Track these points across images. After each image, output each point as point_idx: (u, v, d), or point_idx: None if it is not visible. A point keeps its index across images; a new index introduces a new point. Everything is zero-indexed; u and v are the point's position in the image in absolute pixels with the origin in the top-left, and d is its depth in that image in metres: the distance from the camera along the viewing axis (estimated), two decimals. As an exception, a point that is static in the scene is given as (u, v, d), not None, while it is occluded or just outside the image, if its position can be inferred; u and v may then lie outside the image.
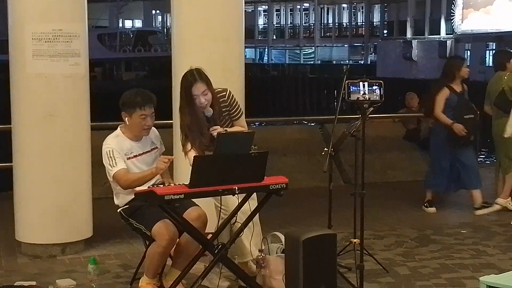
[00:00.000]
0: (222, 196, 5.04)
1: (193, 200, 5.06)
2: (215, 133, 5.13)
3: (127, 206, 5.18)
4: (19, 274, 5.84)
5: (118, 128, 5.27)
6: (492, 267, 5.96)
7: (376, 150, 10.12)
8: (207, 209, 5.23)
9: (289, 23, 61.09)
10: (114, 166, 5.05)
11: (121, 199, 5.22)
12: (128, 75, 47.66)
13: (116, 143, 5.14)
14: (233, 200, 5.14)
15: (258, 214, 5.27)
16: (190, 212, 5.05)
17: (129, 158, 5.16)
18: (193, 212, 5.07)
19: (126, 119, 5.18)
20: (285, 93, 46.32)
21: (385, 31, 52.18)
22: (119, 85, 36.32)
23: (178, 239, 5.08)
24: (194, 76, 5.25)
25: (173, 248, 5.14)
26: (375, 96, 5.47)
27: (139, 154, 5.22)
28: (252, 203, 5.20)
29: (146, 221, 5.03)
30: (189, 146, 5.30)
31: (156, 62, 46.11)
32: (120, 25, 57.84)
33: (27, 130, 6.29)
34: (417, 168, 10.51)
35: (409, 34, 47.49)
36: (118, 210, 5.25)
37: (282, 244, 5.57)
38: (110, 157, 5.08)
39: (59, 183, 6.26)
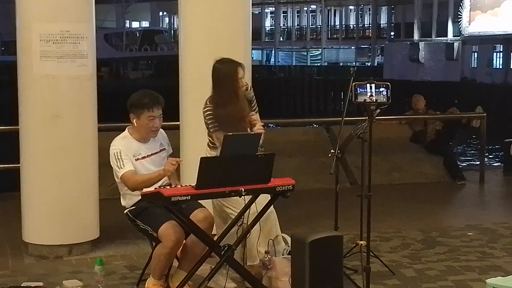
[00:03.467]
0: (228, 198, 5.05)
1: (199, 201, 5.07)
2: (254, 120, 5.20)
3: (134, 207, 5.19)
4: (25, 275, 5.85)
5: (126, 130, 5.27)
6: (499, 270, 5.95)
7: (382, 152, 10.10)
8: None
9: (296, 25, 61.05)
10: (121, 168, 5.06)
11: (128, 200, 5.23)
12: (135, 74, 47.66)
13: (124, 145, 5.14)
14: (240, 202, 5.13)
15: (276, 214, 5.26)
16: (197, 214, 5.06)
17: (137, 159, 5.16)
18: (200, 213, 5.07)
19: (134, 120, 5.18)
20: (292, 95, 46.34)
21: (392, 33, 52.12)
22: (126, 84, 36.39)
23: (184, 241, 5.09)
24: (234, 61, 5.30)
25: (180, 249, 5.14)
26: (382, 98, 5.46)
27: (147, 156, 5.22)
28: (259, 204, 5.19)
29: (153, 222, 5.04)
30: (220, 134, 5.21)
31: (162, 60, 46.05)
32: (127, 25, 57.85)
33: (34, 131, 6.30)
34: (423, 170, 10.50)
35: (416, 36, 47.41)
36: (125, 211, 5.26)
37: (288, 246, 5.57)
38: (118, 158, 5.08)
39: (66, 184, 6.27)
